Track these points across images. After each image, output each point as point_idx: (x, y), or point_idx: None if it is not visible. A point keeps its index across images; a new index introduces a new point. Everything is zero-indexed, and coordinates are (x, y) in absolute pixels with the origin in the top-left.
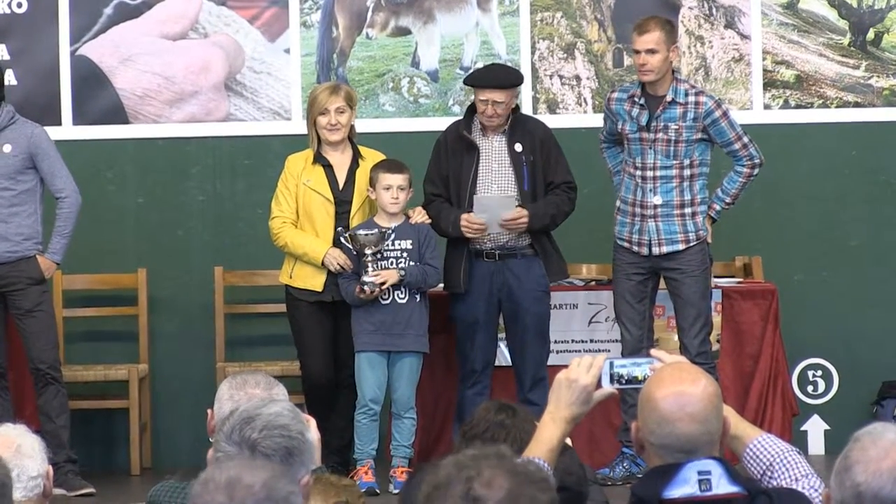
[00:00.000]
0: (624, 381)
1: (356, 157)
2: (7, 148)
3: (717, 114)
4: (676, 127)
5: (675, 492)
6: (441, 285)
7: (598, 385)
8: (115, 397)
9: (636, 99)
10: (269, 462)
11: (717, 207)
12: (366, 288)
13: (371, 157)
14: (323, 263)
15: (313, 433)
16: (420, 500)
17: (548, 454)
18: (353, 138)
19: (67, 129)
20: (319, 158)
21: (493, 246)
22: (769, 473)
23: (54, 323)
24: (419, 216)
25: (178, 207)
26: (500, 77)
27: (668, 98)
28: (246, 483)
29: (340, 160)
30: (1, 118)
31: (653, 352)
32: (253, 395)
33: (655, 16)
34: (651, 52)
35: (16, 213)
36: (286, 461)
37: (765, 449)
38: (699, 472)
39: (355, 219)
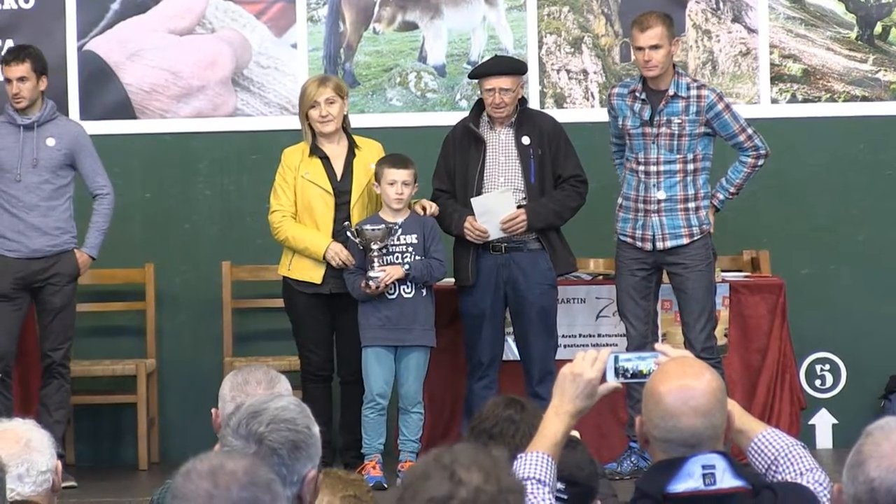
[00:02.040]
0: (629, 376)
1: (352, 148)
2: (51, 142)
3: (720, 106)
4: (679, 121)
5: (679, 486)
6: (450, 279)
7: (603, 379)
8: (123, 392)
9: (637, 94)
10: (249, 455)
11: (721, 197)
12: (371, 283)
13: (366, 146)
14: (325, 258)
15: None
16: (400, 494)
17: (552, 448)
18: (346, 128)
19: (84, 129)
20: (316, 150)
21: (500, 239)
22: (774, 468)
23: (74, 323)
24: (431, 208)
25: (186, 202)
26: (504, 64)
27: (671, 92)
28: (229, 469)
29: (337, 151)
30: (46, 111)
31: (657, 346)
32: (255, 395)
33: (654, 11)
34: (655, 47)
35: (54, 206)
36: (293, 455)
37: (769, 443)
38: (703, 467)
39: (355, 209)
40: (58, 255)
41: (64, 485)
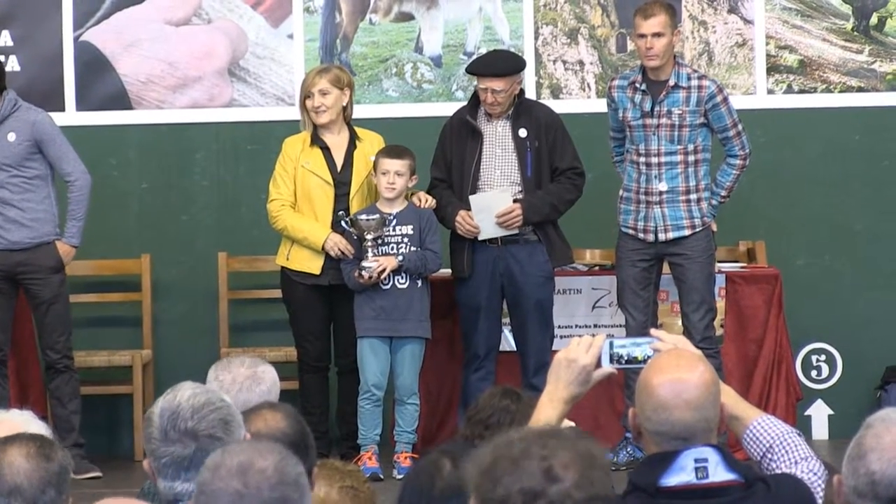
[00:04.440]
0: (624, 362)
1: (353, 139)
2: (11, 136)
3: (719, 98)
4: (680, 112)
5: (671, 480)
6: (447, 270)
7: (598, 365)
8: (119, 383)
9: (637, 85)
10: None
11: (714, 202)
12: (364, 273)
13: (368, 138)
14: (324, 248)
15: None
16: (480, 470)
17: None
18: (348, 120)
19: (71, 115)
20: (317, 140)
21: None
22: (769, 456)
23: (70, 312)
24: (427, 202)
25: (182, 193)
26: (499, 65)
27: (671, 83)
28: (259, 467)
29: (337, 142)
30: (3, 107)
31: (653, 331)
32: (237, 373)
33: (657, 0)
34: (657, 35)
35: (28, 198)
36: (227, 431)
37: (765, 430)
38: (696, 460)
39: (355, 201)
40: (37, 246)
41: (90, 475)
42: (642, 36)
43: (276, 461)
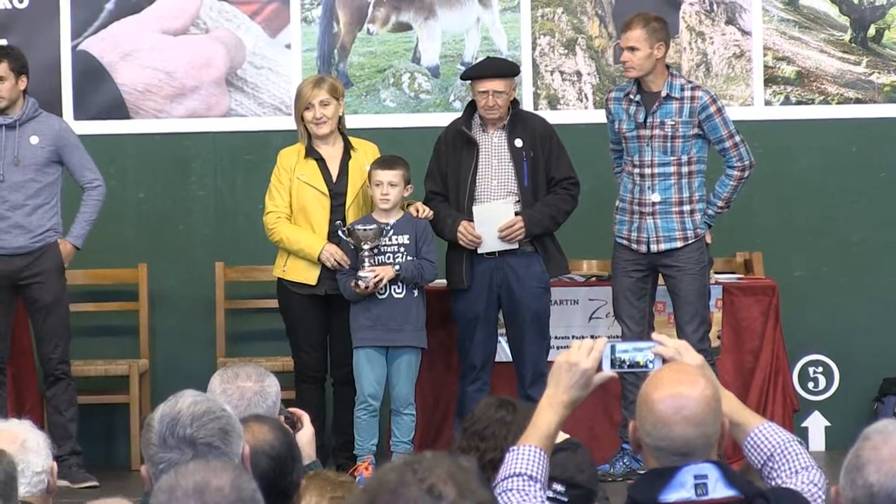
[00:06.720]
0: (626, 366)
1: (347, 149)
2: (34, 140)
3: (712, 109)
4: (673, 122)
5: (671, 496)
6: (443, 281)
7: (599, 368)
8: (116, 392)
9: (632, 96)
10: (227, 462)
11: (711, 212)
12: (360, 283)
13: (362, 147)
14: (319, 259)
15: (307, 428)
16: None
17: (544, 441)
18: (342, 130)
19: (68, 124)
20: (311, 152)
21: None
22: (769, 464)
23: (69, 320)
24: (424, 213)
25: (179, 202)
26: (498, 67)
27: (664, 94)
28: (215, 486)
29: (332, 153)
30: (26, 110)
31: (655, 336)
32: (245, 388)
33: (642, 13)
34: (632, 49)
35: (39, 205)
36: (226, 441)
37: (766, 438)
38: (695, 477)
39: (350, 211)
40: (40, 249)
41: (86, 484)
42: (622, 49)
43: (231, 479)
